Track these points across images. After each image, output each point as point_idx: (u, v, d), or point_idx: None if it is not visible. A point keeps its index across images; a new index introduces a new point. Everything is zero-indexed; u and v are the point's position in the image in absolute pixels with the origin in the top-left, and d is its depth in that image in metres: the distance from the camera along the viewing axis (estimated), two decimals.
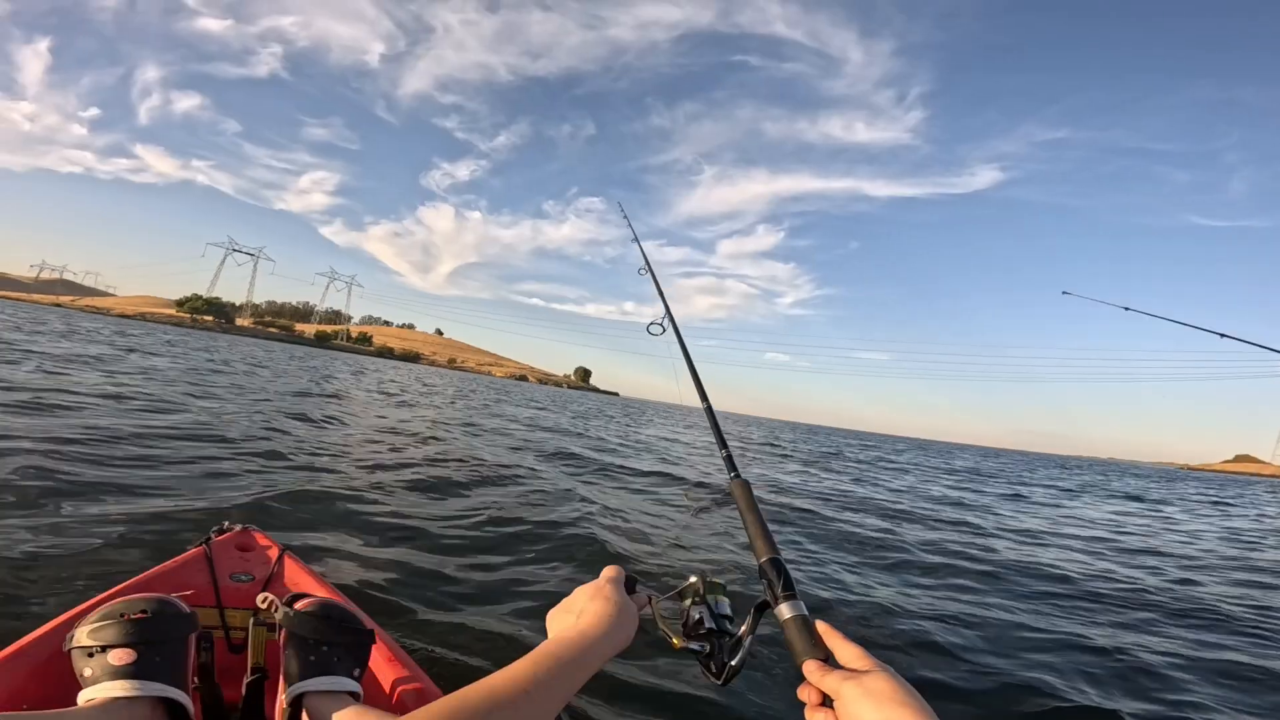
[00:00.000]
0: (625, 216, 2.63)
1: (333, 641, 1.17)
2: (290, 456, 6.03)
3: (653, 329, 1.59)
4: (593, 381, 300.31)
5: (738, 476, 1.05)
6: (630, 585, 0.94)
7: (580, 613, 0.86)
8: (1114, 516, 11.75)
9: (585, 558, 4.11)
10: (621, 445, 13.68)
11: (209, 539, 1.78)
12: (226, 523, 1.93)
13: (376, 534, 3.96)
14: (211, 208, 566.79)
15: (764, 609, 0.83)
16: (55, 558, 2.71)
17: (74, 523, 3.19)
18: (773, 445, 24.27)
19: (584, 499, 6.07)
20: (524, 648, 2.63)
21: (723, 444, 1.16)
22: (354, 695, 1.13)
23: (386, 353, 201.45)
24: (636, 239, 2.22)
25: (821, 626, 0.79)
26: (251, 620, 1.35)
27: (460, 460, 7.54)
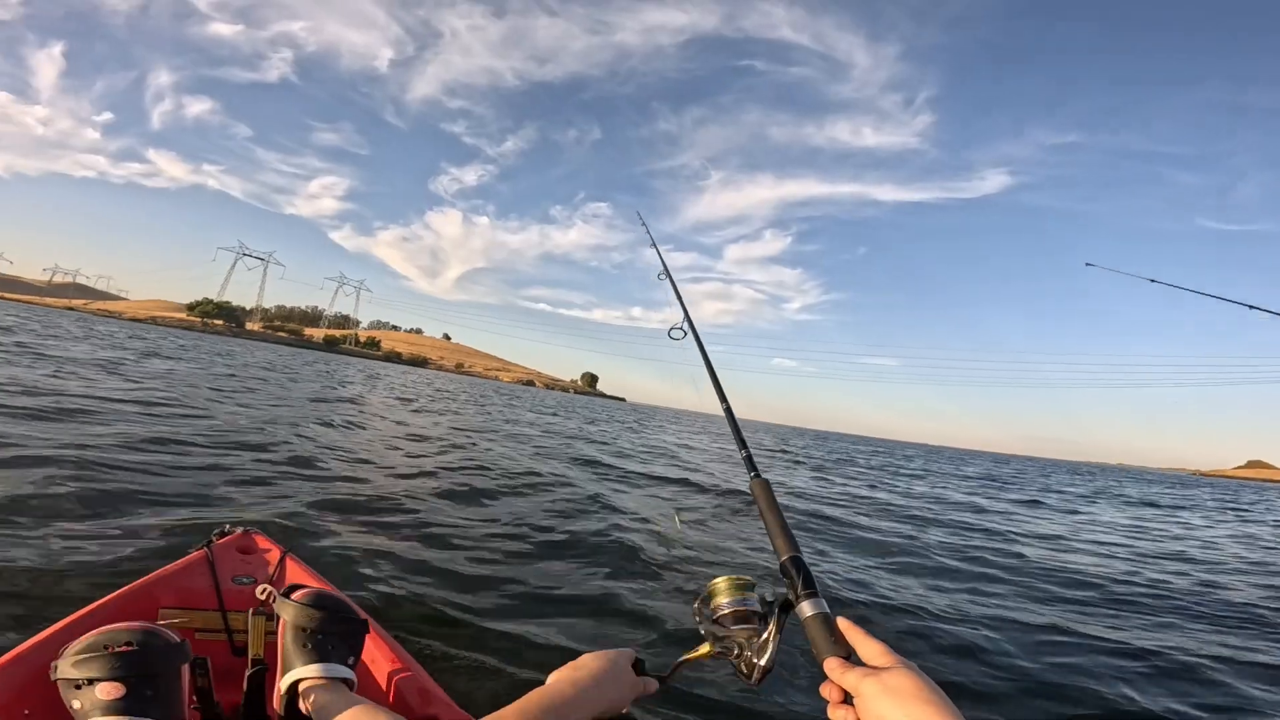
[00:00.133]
0: (644, 224, 2.68)
1: (327, 630, 1.20)
2: (319, 463, 6.08)
3: (674, 334, 1.64)
4: (599, 387, 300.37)
5: (758, 476, 1.06)
6: (639, 667, 0.99)
7: (577, 668, 0.93)
8: (1133, 522, 11.72)
9: (618, 565, 4.13)
10: (639, 451, 13.74)
11: (210, 542, 1.80)
12: (228, 525, 1.94)
13: (411, 541, 3.96)
14: (222, 212, 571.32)
15: (788, 608, 0.84)
16: (73, 562, 2.70)
17: (96, 530, 3.17)
18: (784, 451, 24.26)
19: (613, 506, 6.10)
20: (561, 656, 2.68)
21: (742, 444, 1.18)
22: (348, 683, 1.17)
23: (394, 357, 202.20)
24: (655, 244, 2.26)
25: (843, 623, 0.79)
26: (251, 611, 1.36)
27: (486, 466, 7.59)
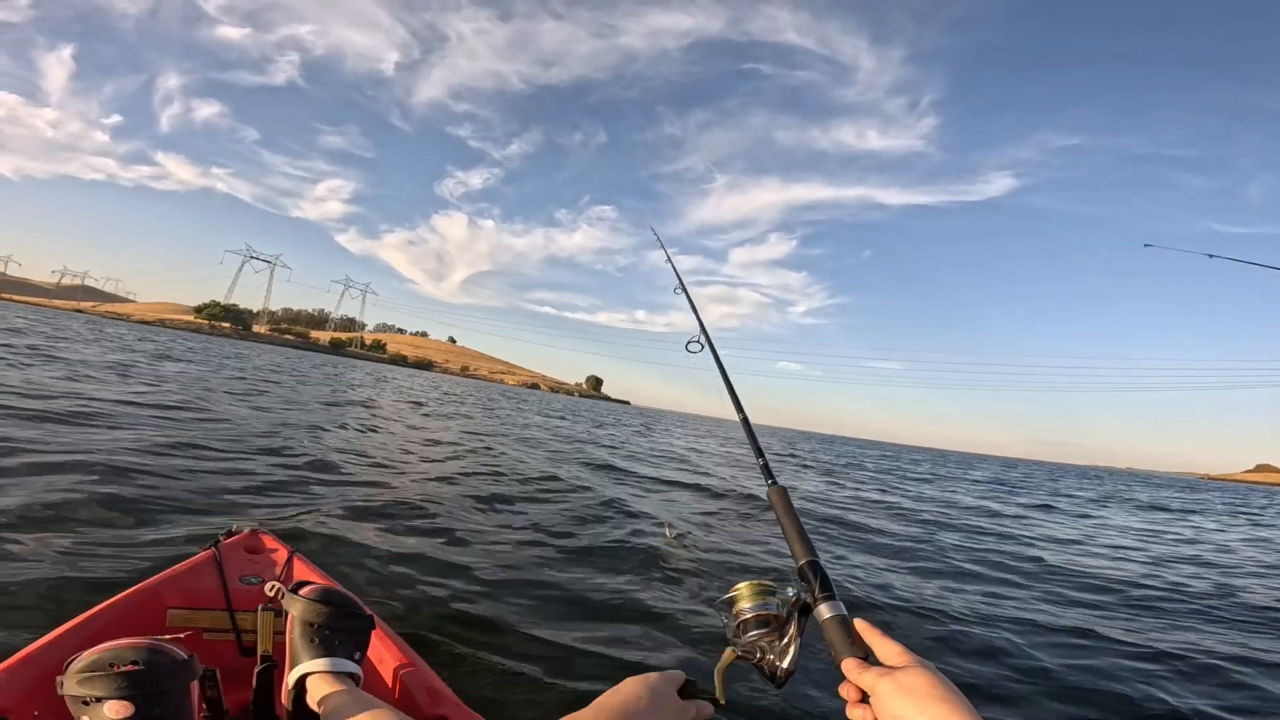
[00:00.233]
0: (659, 241, 2.69)
1: (334, 625, 1.22)
2: (337, 467, 6.11)
3: (691, 347, 1.65)
4: (604, 390, 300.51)
5: (775, 483, 1.08)
6: (689, 689, 0.92)
7: (614, 694, 0.86)
8: (1146, 526, 11.73)
9: (639, 569, 4.16)
10: (650, 455, 13.78)
11: (218, 542, 1.81)
12: (235, 525, 1.96)
13: (432, 545, 3.95)
14: (230, 215, 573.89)
15: (806, 611, 0.86)
16: (88, 563, 2.72)
17: (113, 533, 3.17)
18: (793, 455, 24.26)
19: (632, 511, 6.13)
20: (585, 661, 2.71)
21: (759, 453, 1.20)
22: (354, 678, 1.19)
23: (399, 360, 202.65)
24: (670, 260, 2.27)
25: (860, 625, 0.81)
26: (259, 608, 1.38)
27: (502, 471, 7.65)
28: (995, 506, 12.26)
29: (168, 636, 1.11)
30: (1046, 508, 13.43)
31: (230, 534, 1.90)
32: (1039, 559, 6.44)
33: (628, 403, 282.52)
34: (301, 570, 1.79)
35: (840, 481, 13.91)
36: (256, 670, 1.30)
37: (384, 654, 1.47)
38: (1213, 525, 13.22)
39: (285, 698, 1.17)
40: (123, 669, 0.99)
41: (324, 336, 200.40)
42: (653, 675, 0.90)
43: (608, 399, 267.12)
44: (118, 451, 4.92)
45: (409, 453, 8.19)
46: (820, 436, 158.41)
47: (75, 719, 0.99)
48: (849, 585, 4.37)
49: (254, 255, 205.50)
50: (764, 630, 0.87)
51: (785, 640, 0.85)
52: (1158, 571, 6.45)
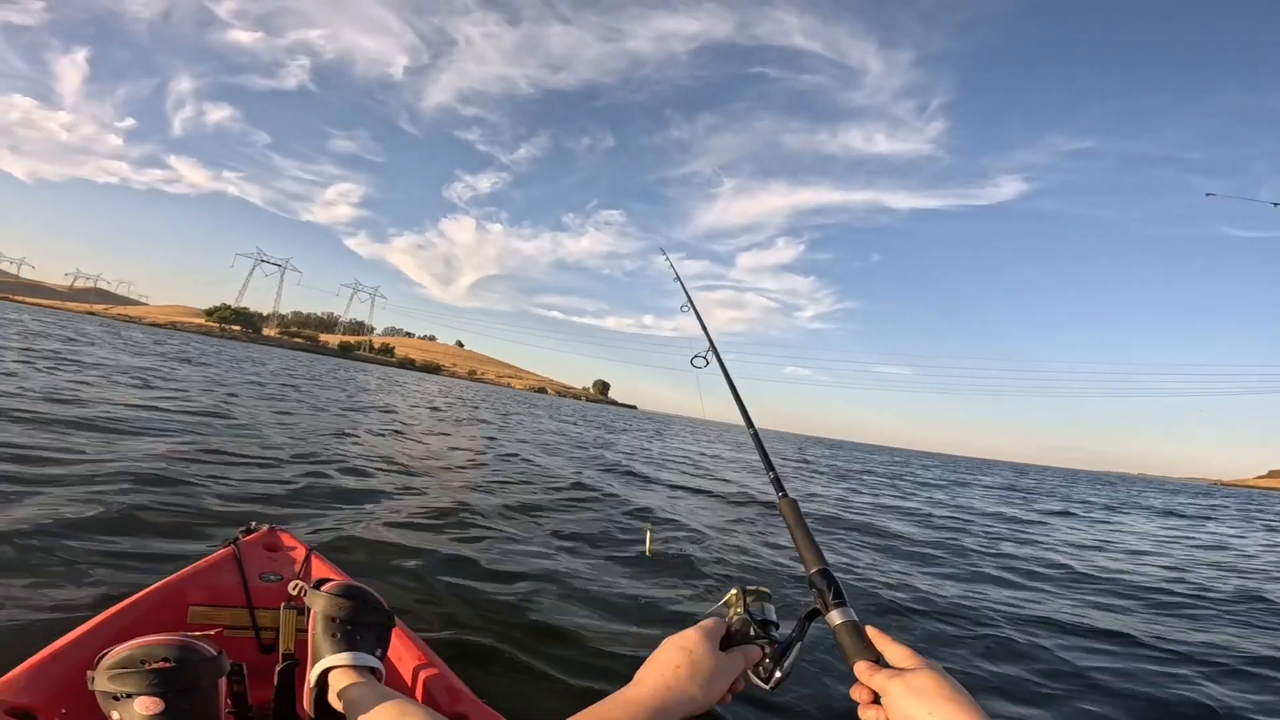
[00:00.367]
0: (667, 258, 2.57)
1: (356, 620, 1.23)
2: (372, 474, 6.12)
3: (696, 362, 1.62)
4: (611, 394, 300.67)
5: (785, 495, 1.10)
6: (735, 638, 0.88)
7: (650, 667, 0.84)
8: (1165, 531, 11.79)
9: (679, 576, 4.23)
10: (670, 461, 13.87)
11: (237, 539, 1.82)
12: (254, 523, 1.97)
13: (472, 554, 3.91)
14: (241, 218, 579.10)
15: (814, 616, 0.88)
16: (117, 565, 2.76)
17: (145, 540, 3.17)
18: (805, 462, 24.32)
19: (665, 519, 6.22)
20: (625, 665, 2.76)
21: (769, 466, 1.20)
22: (376, 673, 1.19)
23: (408, 364, 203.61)
24: (679, 279, 2.20)
25: (871, 631, 0.84)
26: (282, 605, 1.37)
27: (531, 479, 7.75)
28: (1014, 512, 12.33)
29: (198, 634, 1.15)
30: (1065, 513, 13.47)
31: (249, 531, 1.91)
32: (1065, 565, 6.52)
33: (635, 407, 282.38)
34: (319, 568, 1.80)
35: (858, 488, 14.00)
36: (278, 668, 1.30)
37: (404, 653, 1.47)
38: (1230, 530, 13.23)
39: (308, 695, 1.17)
40: (154, 665, 1.02)
41: (333, 340, 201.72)
42: (689, 634, 0.86)
43: (615, 403, 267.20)
44: (150, 459, 4.90)
45: (437, 459, 8.28)
46: (829, 441, 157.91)
47: (105, 714, 1.01)
48: (882, 589, 4.46)
49: (264, 259, 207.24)
50: (760, 634, 0.89)
51: (784, 644, 0.88)
52: (1182, 575, 6.54)
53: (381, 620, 1.28)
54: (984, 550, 6.92)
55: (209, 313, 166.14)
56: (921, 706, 0.70)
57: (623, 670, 2.58)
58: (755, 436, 1.35)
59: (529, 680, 2.44)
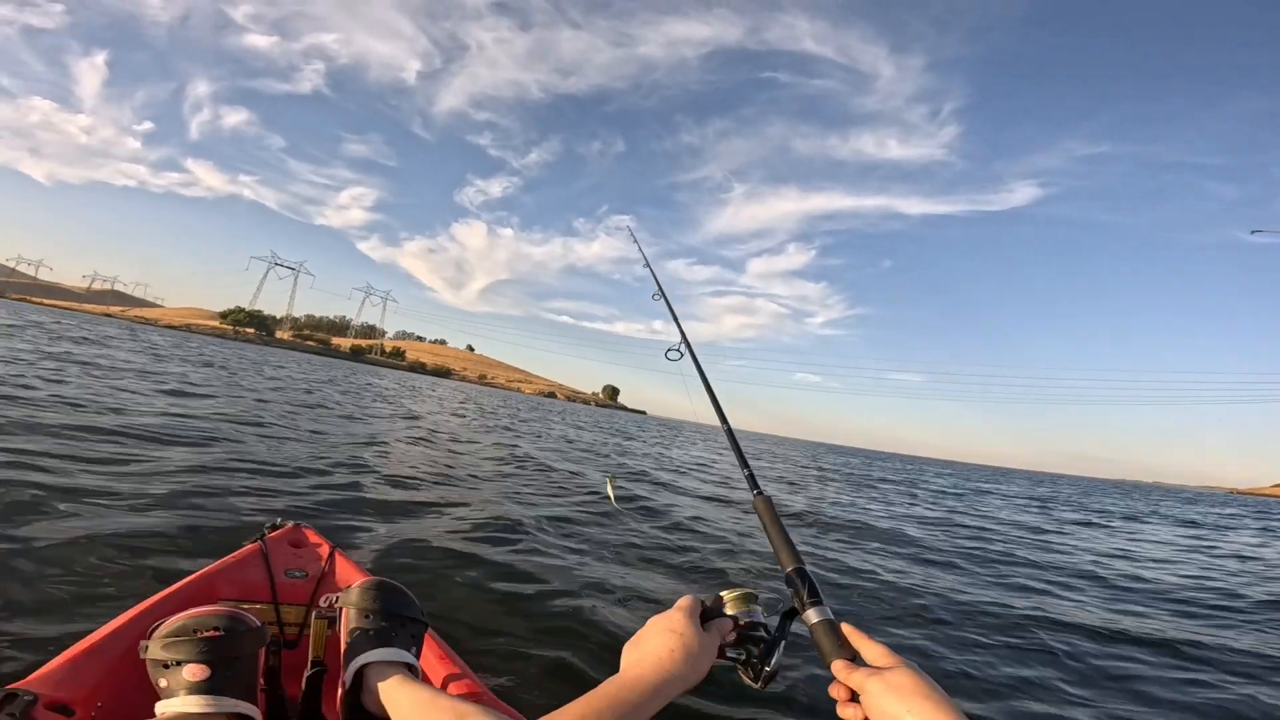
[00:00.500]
0: (636, 241, 2.59)
1: (392, 615, 1.24)
2: (412, 484, 6.18)
3: (670, 355, 1.61)
4: (620, 400, 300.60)
5: (760, 493, 1.09)
6: (711, 611, 0.92)
7: (644, 650, 0.86)
8: (1189, 539, 11.83)
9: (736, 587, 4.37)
10: (694, 469, 13.94)
11: (263, 535, 1.85)
12: (279, 519, 2.01)
13: (529, 568, 3.89)
14: (256, 222, 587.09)
15: (792, 615, 0.89)
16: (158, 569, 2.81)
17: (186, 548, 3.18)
18: (820, 470, 24.28)
19: (716, 535, 6.32)
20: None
21: (744, 464, 1.20)
22: (412, 669, 1.18)
23: (418, 367, 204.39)
24: (649, 264, 2.21)
25: (847, 628, 0.83)
26: (314, 615, 1.37)
27: (568, 488, 7.87)
28: (1035, 521, 12.38)
29: (245, 604, 1.21)
30: (1087, 523, 13.46)
31: (274, 527, 1.94)
32: (1092, 572, 6.64)
33: (644, 413, 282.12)
34: (343, 565, 1.82)
35: (875, 496, 14.09)
36: (307, 674, 1.31)
37: (434, 660, 1.46)
38: (1251, 539, 13.24)
39: (339, 700, 1.18)
40: (205, 634, 1.09)
41: (344, 343, 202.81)
42: (674, 616, 0.89)
43: (624, 409, 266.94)
44: (188, 470, 4.86)
45: (471, 468, 8.29)
46: (840, 448, 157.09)
47: (154, 681, 1.08)
48: (908, 599, 4.53)
49: (278, 262, 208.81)
50: (748, 636, 0.90)
51: (769, 645, 0.88)
52: (1209, 582, 6.62)
53: (415, 616, 1.29)
54: (1009, 558, 7.03)
55: (223, 315, 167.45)
56: (901, 704, 0.70)
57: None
58: (729, 433, 1.33)
59: (571, 690, 2.46)
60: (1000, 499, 19.07)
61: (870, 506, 11.06)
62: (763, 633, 0.90)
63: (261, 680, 1.20)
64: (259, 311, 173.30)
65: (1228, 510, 29.83)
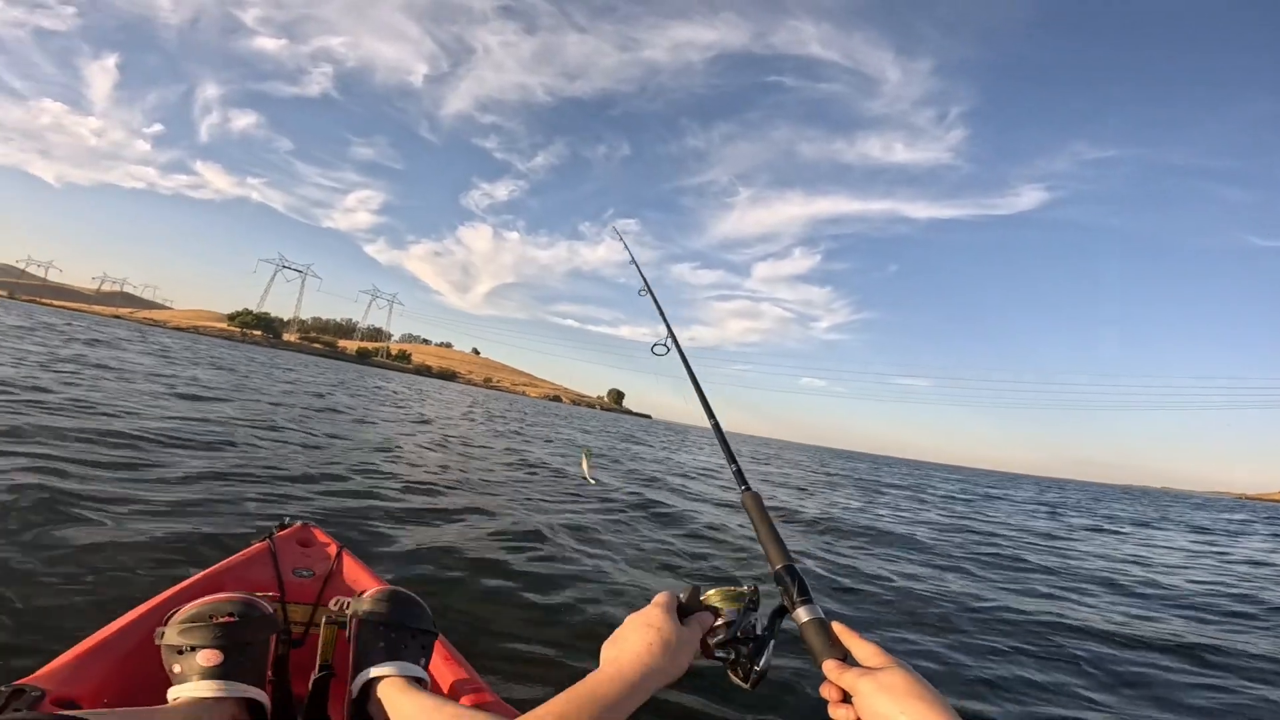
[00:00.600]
0: (621, 238, 2.50)
1: (402, 626, 1.23)
2: (432, 490, 6.19)
3: (657, 350, 1.60)
4: (625, 403, 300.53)
5: (748, 489, 1.08)
6: (689, 606, 0.90)
7: (622, 647, 0.84)
8: (1201, 545, 11.84)
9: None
10: (707, 474, 13.98)
11: (272, 534, 1.85)
12: (288, 518, 2.01)
13: (551, 575, 3.89)
14: (264, 224, 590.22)
15: (782, 614, 0.87)
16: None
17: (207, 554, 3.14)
18: (828, 475, 24.27)
19: (738, 542, 6.36)
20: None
21: (732, 459, 1.19)
22: (421, 682, 1.17)
23: (424, 370, 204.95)
24: (634, 261, 2.19)
25: (838, 627, 0.82)
26: (324, 619, 1.37)
27: (589, 496, 7.91)
28: (1048, 527, 12.38)
29: (259, 594, 1.24)
30: (1097, 529, 13.45)
31: (283, 526, 1.95)
32: (1105, 577, 6.66)
33: (649, 417, 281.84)
34: (350, 565, 1.82)
35: (884, 501, 14.11)
36: (314, 677, 1.30)
37: (444, 669, 1.45)
38: (1264, 544, 13.29)
39: (345, 708, 1.18)
40: (220, 620, 1.10)
41: (351, 346, 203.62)
42: (652, 612, 0.87)
43: (630, 413, 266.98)
44: (206, 476, 4.83)
45: (488, 474, 8.29)
46: (846, 453, 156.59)
47: (167, 667, 1.09)
48: (922, 603, 4.56)
49: (286, 265, 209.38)
50: (738, 634, 0.88)
51: (758, 642, 0.86)
52: (1224, 587, 6.63)
53: (426, 628, 1.28)
54: (1021, 563, 7.05)
55: (231, 317, 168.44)
56: (893, 705, 0.70)
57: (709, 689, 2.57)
58: (716, 428, 1.32)
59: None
60: (1009, 504, 19.02)
61: (880, 512, 11.08)
62: (752, 629, 0.88)
63: (270, 672, 1.21)
64: (266, 314, 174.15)
65: (1237, 516, 29.67)
